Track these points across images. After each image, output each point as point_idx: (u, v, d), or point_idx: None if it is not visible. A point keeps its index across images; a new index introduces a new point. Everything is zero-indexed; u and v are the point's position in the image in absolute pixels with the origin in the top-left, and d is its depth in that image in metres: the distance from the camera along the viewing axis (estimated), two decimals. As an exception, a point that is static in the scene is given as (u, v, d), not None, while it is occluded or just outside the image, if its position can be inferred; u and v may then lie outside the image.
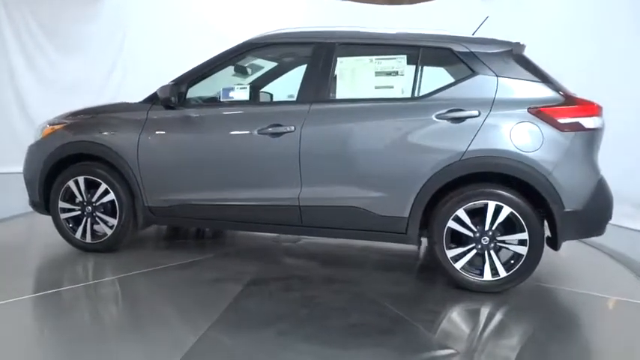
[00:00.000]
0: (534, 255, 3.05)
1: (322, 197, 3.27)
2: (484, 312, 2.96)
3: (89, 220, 3.66)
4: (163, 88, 3.37)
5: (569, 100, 3.07)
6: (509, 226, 3.08)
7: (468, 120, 3.07)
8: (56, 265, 3.62)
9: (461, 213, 3.09)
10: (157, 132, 3.50)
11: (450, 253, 3.14)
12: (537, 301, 3.15)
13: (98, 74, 7.57)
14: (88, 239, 3.69)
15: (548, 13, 6.02)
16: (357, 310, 2.84)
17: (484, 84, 3.13)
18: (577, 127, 3.01)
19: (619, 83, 5.17)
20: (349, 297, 3.03)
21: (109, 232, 3.65)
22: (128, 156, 3.51)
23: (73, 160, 3.68)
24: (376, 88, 3.28)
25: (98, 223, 3.66)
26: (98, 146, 3.57)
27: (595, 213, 3.07)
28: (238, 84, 3.70)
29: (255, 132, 3.30)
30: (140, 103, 3.62)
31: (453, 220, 3.11)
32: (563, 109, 3.03)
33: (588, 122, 3.04)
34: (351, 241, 3.80)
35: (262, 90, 3.96)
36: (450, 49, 3.23)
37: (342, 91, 3.32)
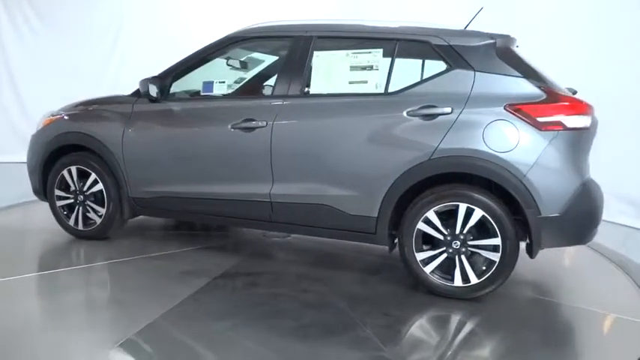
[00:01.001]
0: (507, 262, 2.87)
1: (293, 194, 3.22)
2: (450, 320, 2.83)
3: (81, 208, 3.82)
4: (143, 81, 3.44)
5: (551, 96, 2.84)
6: (484, 230, 2.91)
7: (440, 117, 2.92)
8: (41, 251, 3.82)
9: (431, 215, 2.95)
10: (139, 125, 3.58)
11: (420, 256, 3.01)
12: (515, 313, 2.95)
13: (95, 62, 7.43)
14: (80, 226, 3.85)
15: (548, 3, 5.74)
16: (315, 311, 2.78)
17: (461, 79, 2.96)
18: (558, 126, 2.79)
19: (616, 80, 5.04)
20: (313, 296, 2.98)
21: (99, 220, 3.79)
22: (114, 148, 3.62)
23: (69, 150, 3.84)
24: (350, 83, 3.18)
25: (89, 212, 3.81)
26: (88, 138, 3.70)
27: (575, 220, 2.84)
28: (239, 77, 3.72)
29: (229, 126, 3.30)
30: (129, 95, 3.71)
31: (423, 221, 2.97)
32: (543, 107, 2.81)
33: (573, 121, 2.81)
34: (344, 241, 3.69)
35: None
36: (427, 42, 3.08)
37: (317, 85, 3.25)
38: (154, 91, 3.43)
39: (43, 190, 3.94)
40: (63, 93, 4.45)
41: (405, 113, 2.97)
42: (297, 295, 2.99)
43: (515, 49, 3.14)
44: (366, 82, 3.14)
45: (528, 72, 2.94)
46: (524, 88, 2.87)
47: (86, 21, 7.44)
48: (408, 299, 3.01)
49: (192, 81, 3.70)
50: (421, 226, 2.98)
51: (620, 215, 4.90)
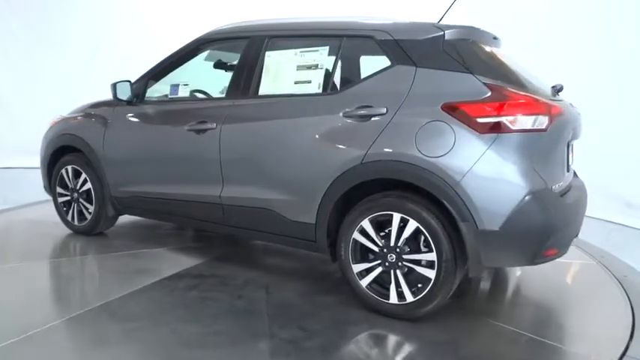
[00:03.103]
0: (443, 281, 2.55)
1: (240, 197, 3.16)
2: (373, 341, 2.58)
3: (76, 205, 4.09)
4: (112, 85, 3.58)
5: (496, 94, 2.47)
6: (422, 244, 2.62)
7: (374, 118, 2.69)
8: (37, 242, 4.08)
9: (366, 224, 2.72)
10: (116, 127, 3.75)
11: (356, 268, 2.79)
12: (463, 339, 2.59)
13: (78, 67, 7.32)
14: (76, 222, 4.13)
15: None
16: (234, 318, 2.70)
17: (401, 76, 2.70)
18: (500, 128, 2.42)
19: (601, 77, 5.04)
20: (243, 303, 2.89)
21: (89, 217, 4.03)
22: (97, 149, 3.82)
23: (69, 150, 4.13)
24: (295, 83, 3.04)
25: (83, 209, 4.07)
26: (77, 139, 3.95)
27: (519, 236, 2.44)
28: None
29: (186, 128, 3.32)
30: (113, 99, 3.89)
31: (359, 231, 2.75)
32: (484, 106, 2.46)
33: (519, 122, 2.43)
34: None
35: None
36: (372, 37, 2.85)
37: (266, 87, 3.15)
38: (121, 94, 3.56)
39: (50, 187, 4.28)
40: (44, 99, 4.62)
41: (341, 114, 2.78)
42: (229, 301, 2.92)
43: (475, 41, 2.81)
44: (310, 81, 2.99)
45: (478, 67, 2.60)
46: (468, 85, 2.54)
47: (68, 26, 7.36)
48: (341, 314, 2.79)
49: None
50: (357, 235, 2.76)
51: (604, 211, 4.81)
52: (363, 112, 2.71)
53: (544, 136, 2.49)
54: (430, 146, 2.51)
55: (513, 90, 2.51)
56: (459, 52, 2.65)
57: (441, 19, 3.18)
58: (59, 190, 4.17)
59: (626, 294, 3.21)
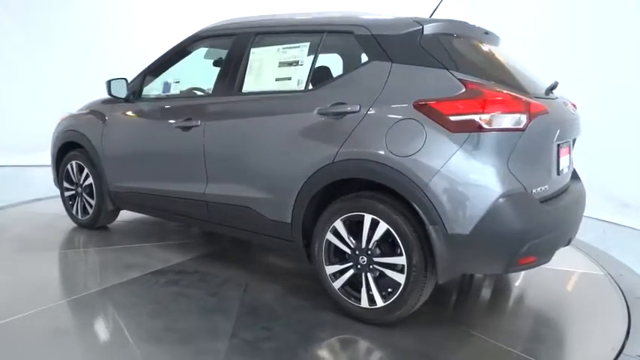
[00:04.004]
0: (413, 286, 2.43)
1: (222, 194, 3.14)
2: (336, 347, 2.50)
3: (79, 199, 4.20)
4: (107, 82, 3.65)
5: (471, 91, 2.34)
6: (393, 247, 2.51)
7: (347, 116, 2.60)
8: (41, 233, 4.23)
9: (338, 225, 2.64)
10: (113, 124, 3.82)
11: (329, 270, 2.71)
12: (439, 353, 2.44)
13: (72, 65, 7.23)
14: (79, 216, 4.24)
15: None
16: (201, 315, 2.68)
17: (376, 72, 2.60)
18: (473, 127, 2.29)
19: (599, 77, 5.07)
20: (215, 301, 2.85)
21: (91, 211, 4.13)
22: (97, 145, 3.90)
23: (75, 146, 4.24)
24: (276, 80, 2.99)
25: (86, 204, 4.17)
26: (80, 135, 4.05)
27: (490, 242, 2.29)
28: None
29: (174, 125, 3.34)
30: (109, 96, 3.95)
31: (331, 232, 2.67)
32: (457, 103, 2.33)
33: (494, 120, 2.28)
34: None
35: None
36: (351, 32, 2.76)
37: (249, 84, 3.11)
38: (116, 91, 3.63)
39: (58, 181, 4.42)
40: (38, 98, 4.65)
41: (315, 112, 2.71)
42: (204, 298, 2.90)
43: (458, 36, 2.68)
44: (290, 78, 2.94)
45: (456, 62, 2.47)
46: (442, 81, 2.41)
47: (62, 26, 7.31)
48: (311, 317, 2.71)
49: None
50: (330, 236, 2.68)
51: (600, 211, 4.80)
52: (336, 109, 2.63)
53: (522, 135, 2.33)
54: (400, 145, 2.40)
55: (490, 87, 2.37)
56: (436, 46, 2.53)
57: (432, 14, 3.08)
58: (65, 184, 4.30)
59: (622, 293, 3.16)
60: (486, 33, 2.95)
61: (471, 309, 2.97)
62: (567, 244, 2.78)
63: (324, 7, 3.69)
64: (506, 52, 3.09)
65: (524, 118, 2.32)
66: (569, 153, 2.94)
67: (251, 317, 2.68)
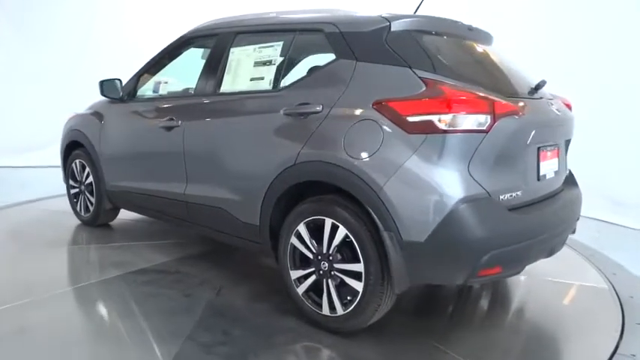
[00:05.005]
0: (372, 294, 2.33)
1: (199, 195, 3.13)
2: (290, 355, 2.42)
3: (82, 197, 4.32)
4: (100, 82, 3.72)
5: (431, 89, 2.20)
6: (352, 253, 2.41)
7: (310, 116, 2.52)
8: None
9: (302, 228, 2.56)
10: (109, 124, 3.89)
11: (294, 275, 2.64)
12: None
13: (64, 65, 7.19)
14: (82, 213, 4.36)
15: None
16: (160, 317, 2.65)
17: (341, 71, 2.51)
18: (431, 128, 2.15)
19: (594, 77, 5.05)
20: (186, 303, 2.83)
21: (92, 209, 4.24)
22: (96, 144, 4.00)
23: (79, 145, 4.35)
24: (251, 80, 2.95)
25: (88, 201, 4.28)
26: (82, 135, 4.16)
27: (447, 250, 2.14)
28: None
29: (158, 125, 3.36)
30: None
31: (295, 236, 2.60)
32: (415, 103, 2.20)
33: (455, 121, 2.14)
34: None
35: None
36: (322, 30, 2.68)
37: (226, 84, 3.09)
38: (108, 92, 3.69)
39: (65, 179, 4.57)
40: (29, 98, 4.65)
41: (282, 112, 2.64)
42: (176, 299, 2.89)
43: (431, 32, 2.55)
44: (263, 78, 2.89)
45: (420, 60, 2.34)
46: (404, 79, 2.29)
47: (54, 26, 7.27)
48: (274, 322, 2.64)
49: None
50: (294, 240, 2.61)
51: (592, 209, 4.66)
52: (301, 109, 2.56)
53: (486, 137, 2.18)
54: (357, 147, 2.30)
55: (453, 85, 2.23)
56: (403, 44, 2.41)
57: (416, 10, 2.96)
58: (71, 182, 4.43)
59: (615, 292, 3.15)
60: (470, 29, 2.79)
61: (444, 321, 2.80)
62: (549, 256, 2.58)
63: (318, 5, 3.62)
64: (497, 50, 2.93)
65: (487, 118, 2.17)
66: (558, 157, 2.73)
67: (214, 320, 2.65)
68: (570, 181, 3.01)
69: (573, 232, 2.91)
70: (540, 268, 2.95)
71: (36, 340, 2.44)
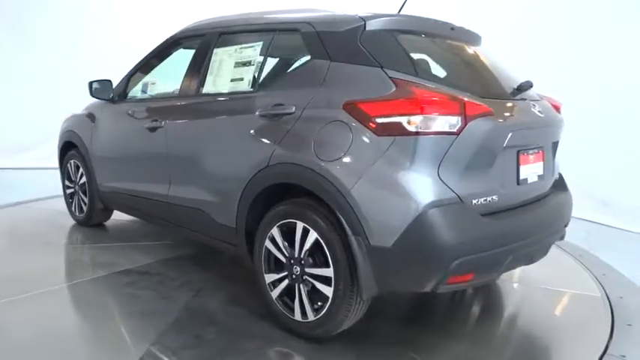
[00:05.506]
0: (341, 300, 2.26)
1: (180, 196, 3.11)
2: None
3: (77, 197, 4.34)
4: (89, 83, 3.73)
5: (401, 91, 2.14)
6: (323, 257, 2.35)
7: (284, 117, 2.48)
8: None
9: (275, 232, 2.52)
10: (100, 124, 3.91)
11: (268, 278, 2.59)
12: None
13: (52, 68, 7.10)
14: (77, 213, 4.39)
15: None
16: (140, 319, 2.64)
17: (314, 72, 2.46)
18: (399, 130, 2.09)
19: (581, 78, 5.03)
20: (162, 305, 2.79)
21: (86, 209, 4.26)
22: (88, 145, 4.01)
23: (73, 146, 4.37)
24: (231, 80, 2.92)
25: (82, 202, 4.31)
26: (76, 136, 4.18)
27: (415, 256, 2.07)
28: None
29: (143, 126, 3.35)
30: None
31: (269, 239, 2.55)
32: (383, 104, 2.14)
33: (423, 123, 2.07)
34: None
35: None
36: (298, 30, 2.63)
37: (208, 85, 3.06)
38: (98, 93, 3.70)
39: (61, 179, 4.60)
40: (18, 99, 4.61)
41: (257, 113, 2.60)
42: (152, 300, 2.87)
43: (407, 32, 2.48)
44: (242, 79, 2.85)
45: (393, 60, 2.28)
46: (375, 80, 2.23)
47: (42, 27, 7.19)
48: (247, 326, 2.59)
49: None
50: (268, 243, 2.56)
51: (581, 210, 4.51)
52: (275, 110, 2.52)
53: (457, 140, 2.10)
54: (327, 149, 2.25)
55: (424, 86, 2.16)
56: (376, 44, 2.35)
57: (400, 9, 2.90)
58: (66, 182, 4.46)
59: (605, 293, 3.15)
60: (453, 29, 2.71)
61: (431, 330, 2.72)
62: (529, 263, 2.49)
63: (312, 4, 3.58)
64: (483, 50, 2.85)
65: (458, 120, 2.09)
66: (543, 160, 2.63)
67: (187, 323, 2.62)
68: (560, 185, 2.90)
69: (562, 238, 2.80)
70: (528, 270, 2.95)
71: (11, 339, 2.43)
